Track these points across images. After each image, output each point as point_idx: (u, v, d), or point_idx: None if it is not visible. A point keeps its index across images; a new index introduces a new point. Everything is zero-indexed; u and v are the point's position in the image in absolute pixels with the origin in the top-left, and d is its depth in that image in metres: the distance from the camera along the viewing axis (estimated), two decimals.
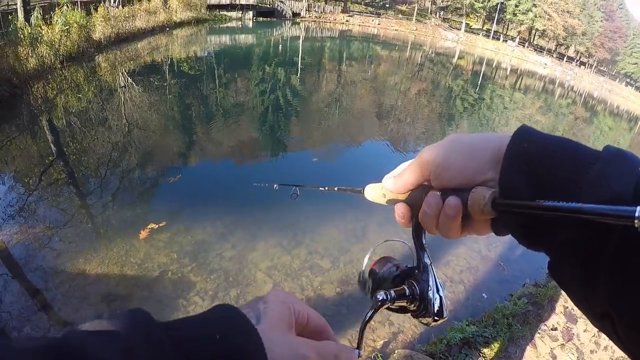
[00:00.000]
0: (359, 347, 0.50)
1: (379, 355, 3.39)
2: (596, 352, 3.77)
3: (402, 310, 0.53)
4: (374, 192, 0.60)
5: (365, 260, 0.61)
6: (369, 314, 0.51)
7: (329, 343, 0.44)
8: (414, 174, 0.52)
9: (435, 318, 0.50)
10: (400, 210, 0.54)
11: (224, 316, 0.38)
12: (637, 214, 0.30)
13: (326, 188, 0.80)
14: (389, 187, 0.56)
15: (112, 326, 0.32)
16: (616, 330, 0.36)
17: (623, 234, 0.34)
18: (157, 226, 5.12)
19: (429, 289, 0.50)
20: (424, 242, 0.54)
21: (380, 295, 0.51)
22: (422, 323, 0.53)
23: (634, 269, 0.33)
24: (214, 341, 0.34)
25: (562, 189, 0.38)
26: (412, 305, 0.51)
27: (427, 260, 0.52)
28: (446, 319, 0.50)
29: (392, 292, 0.51)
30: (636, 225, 0.30)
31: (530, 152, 0.41)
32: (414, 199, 0.53)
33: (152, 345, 0.31)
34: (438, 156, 0.49)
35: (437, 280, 0.51)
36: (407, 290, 0.51)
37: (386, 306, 0.51)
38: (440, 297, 0.50)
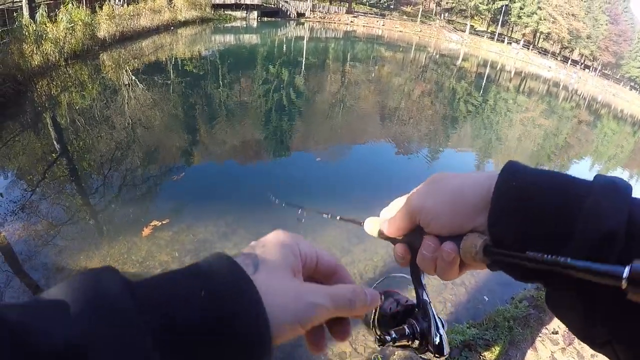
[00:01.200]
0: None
1: (379, 356, 3.39)
2: (597, 356, 3.76)
3: (403, 347, 0.52)
4: (372, 227, 0.59)
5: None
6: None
7: (342, 287, 0.41)
8: (405, 220, 0.51)
9: (436, 355, 0.49)
10: (399, 251, 0.53)
11: (211, 267, 0.33)
12: (625, 275, 0.29)
13: (328, 215, 0.80)
14: (384, 230, 0.55)
15: (67, 293, 0.27)
16: (619, 357, 0.36)
17: None
18: (160, 223, 5.13)
19: (430, 327, 0.50)
20: (422, 281, 0.53)
21: (381, 334, 0.50)
22: (424, 358, 0.52)
23: (632, 307, 0.33)
24: (197, 300, 0.30)
25: (554, 228, 0.38)
26: (414, 344, 0.50)
27: (426, 298, 0.52)
28: (446, 356, 0.50)
29: (392, 332, 0.50)
30: (623, 287, 0.30)
31: (519, 192, 0.40)
32: (411, 239, 0.52)
33: (111, 316, 0.26)
34: (426, 205, 0.47)
35: (437, 317, 0.50)
36: (407, 330, 0.50)
37: (387, 345, 0.51)
38: (441, 335, 0.49)
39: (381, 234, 0.57)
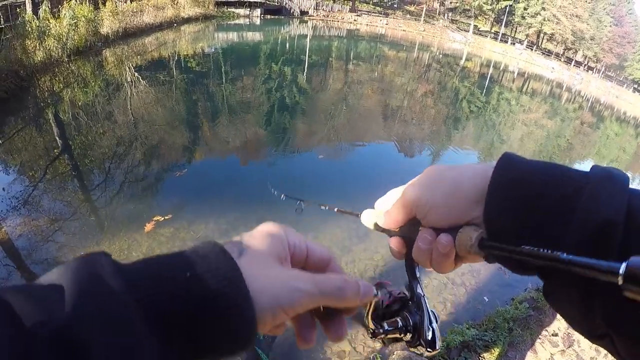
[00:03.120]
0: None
1: (378, 356, 3.39)
2: (596, 359, 3.76)
3: (395, 340, 0.52)
4: (369, 219, 0.59)
5: None
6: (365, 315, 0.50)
7: (332, 275, 0.40)
8: (401, 212, 0.51)
9: (428, 350, 0.49)
10: (395, 244, 0.53)
11: (198, 252, 0.34)
12: (621, 271, 0.29)
13: (326, 207, 0.80)
14: (380, 223, 0.55)
15: (62, 277, 0.29)
16: (617, 348, 0.36)
17: None
18: (162, 218, 5.14)
19: (423, 320, 0.49)
20: (416, 273, 0.53)
21: (374, 327, 0.50)
22: (416, 353, 0.52)
23: (631, 300, 0.32)
24: (182, 280, 0.30)
25: (552, 218, 0.37)
26: (406, 336, 0.50)
27: (420, 291, 0.52)
28: (439, 350, 0.49)
29: (385, 324, 0.50)
30: (619, 283, 0.29)
31: (515, 183, 0.40)
32: (407, 232, 0.52)
33: (102, 297, 0.27)
34: (422, 197, 0.47)
35: (429, 311, 0.50)
36: (400, 322, 0.50)
37: (379, 338, 0.50)
38: (434, 329, 0.49)
39: (377, 226, 0.57)
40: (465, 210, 0.44)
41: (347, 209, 0.71)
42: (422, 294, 0.51)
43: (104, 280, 0.28)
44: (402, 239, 0.53)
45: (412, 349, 0.51)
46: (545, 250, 0.35)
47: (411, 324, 0.50)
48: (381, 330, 0.49)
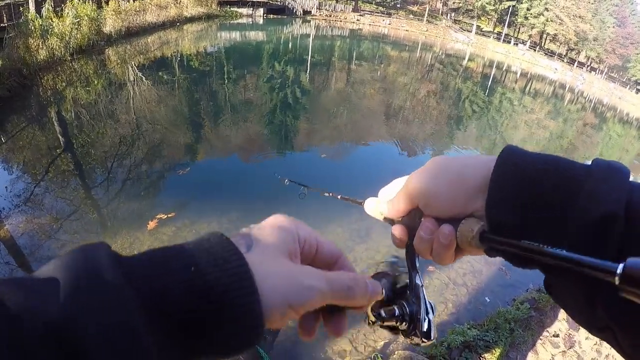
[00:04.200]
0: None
1: (379, 356, 3.39)
2: None
3: (392, 329, 0.52)
4: (372, 208, 0.60)
5: None
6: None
7: (342, 273, 0.38)
8: (405, 201, 0.51)
9: (424, 340, 0.49)
10: (397, 232, 0.53)
11: (204, 245, 0.32)
12: (618, 271, 0.29)
13: (330, 194, 0.81)
14: (384, 212, 0.55)
15: (58, 269, 0.27)
16: (618, 341, 0.36)
17: None
18: (165, 216, 5.14)
19: (420, 310, 0.49)
20: (416, 263, 0.53)
21: (374, 319, 0.50)
22: (412, 343, 0.52)
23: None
24: (187, 274, 0.28)
25: (554, 210, 0.37)
26: (402, 325, 0.50)
27: (419, 282, 0.52)
28: (434, 341, 0.50)
29: (382, 311, 0.50)
30: (616, 283, 0.29)
31: (517, 175, 0.40)
32: (409, 221, 0.52)
33: (98, 289, 0.26)
34: (426, 186, 0.47)
35: (427, 302, 0.50)
36: (397, 311, 0.50)
37: (377, 325, 0.51)
38: (429, 319, 0.49)
39: (381, 215, 0.58)
40: (468, 200, 0.44)
41: (350, 197, 0.72)
42: (421, 284, 0.52)
43: (101, 272, 0.27)
44: (404, 227, 0.53)
45: (407, 339, 0.51)
46: (544, 246, 0.35)
47: (408, 313, 0.50)
48: (377, 317, 0.50)
